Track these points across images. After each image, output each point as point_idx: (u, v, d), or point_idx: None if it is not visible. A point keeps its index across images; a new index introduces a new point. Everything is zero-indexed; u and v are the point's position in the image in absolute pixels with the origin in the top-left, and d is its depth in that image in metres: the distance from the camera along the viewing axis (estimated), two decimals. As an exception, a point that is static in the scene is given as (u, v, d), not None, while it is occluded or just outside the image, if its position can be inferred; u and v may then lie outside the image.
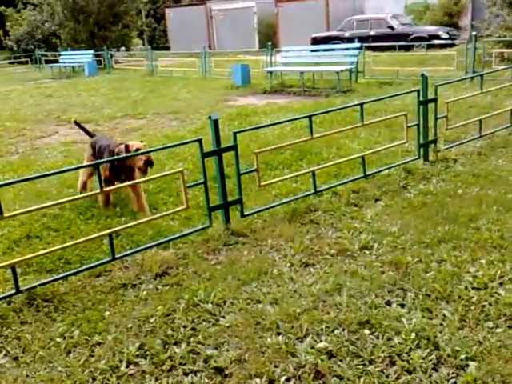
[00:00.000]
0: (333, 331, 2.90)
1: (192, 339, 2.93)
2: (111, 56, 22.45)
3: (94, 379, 2.69)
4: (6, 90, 16.62)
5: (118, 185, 4.71)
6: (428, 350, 2.69)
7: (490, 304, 3.06)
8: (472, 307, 3.05)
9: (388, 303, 3.15)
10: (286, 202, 4.79)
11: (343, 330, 2.90)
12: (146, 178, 4.67)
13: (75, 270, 3.76)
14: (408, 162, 5.67)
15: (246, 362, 2.72)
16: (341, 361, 2.67)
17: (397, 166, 5.58)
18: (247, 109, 10.23)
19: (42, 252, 3.80)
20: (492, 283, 3.27)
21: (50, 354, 2.90)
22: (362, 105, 5.15)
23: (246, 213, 4.53)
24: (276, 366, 2.67)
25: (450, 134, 6.53)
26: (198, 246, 4.13)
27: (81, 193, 5.09)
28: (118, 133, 8.99)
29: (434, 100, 5.76)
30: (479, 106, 8.34)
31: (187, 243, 4.19)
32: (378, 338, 2.82)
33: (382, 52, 15.06)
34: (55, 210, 4.92)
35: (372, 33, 21.38)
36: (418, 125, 5.65)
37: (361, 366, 2.62)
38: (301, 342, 2.84)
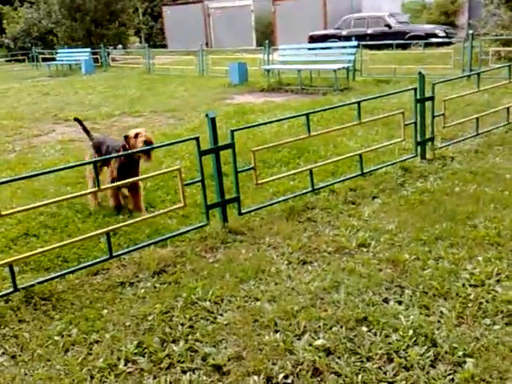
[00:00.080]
0: (330, 328, 2.91)
1: (190, 337, 2.94)
2: (108, 54, 22.41)
3: (92, 377, 2.69)
4: (2, 88, 16.57)
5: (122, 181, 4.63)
6: (425, 347, 2.70)
7: (488, 301, 3.07)
8: (469, 304, 3.06)
9: (385, 300, 3.16)
10: (284, 200, 4.79)
11: (341, 327, 2.91)
12: (144, 176, 4.67)
13: (73, 269, 3.76)
14: (405, 159, 5.68)
15: (243, 359, 2.72)
16: (339, 358, 2.68)
17: (394, 163, 5.59)
18: (244, 107, 10.22)
19: (39, 250, 3.80)
20: (489, 280, 3.29)
21: (48, 352, 2.90)
22: (359, 103, 5.15)
23: (243, 211, 4.53)
24: (274, 364, 2.67)
25: (447, 131, 6.55)
26: (196, 244, 4.13)
27: (99, 204, 5.02)
28: (115, 131, 8.97)
29: (431, 98, 5.77)
30: (476, 104, 8.36)
31: (185, 241, 4.19)
32: (375, 335, 2.83)
33: (380, 50, 15.05)
34: (52, 208, 4.92)
35: (369, 31, 21.38)
36: (415, 123, 5.66)
37: (358, 363, 2.63)
38: (299, 339, 2.85)
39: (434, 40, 17.82)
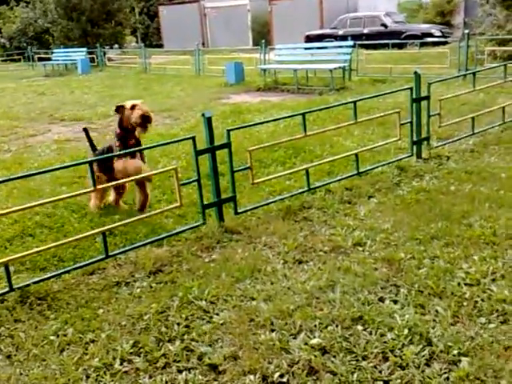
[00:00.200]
0: (326, 327, 2.91)
1: (186, 336, 2.94)
2: (104, 54, 22.40)
3: (87, 377, 2.69)
4: (-2, 88, 16.54)
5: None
6: (421, 346, 2.70)
7: (483, 300, 3.08)
8: (465, 303, 3.06)
9: (381, 299, 3.17)
10: (280, 200, 4.79)
11: (336, 326, 2.92)
12: (140, 175, 4.65)
13: (69, 268, 3.75)
14: (401, 159, 5.69)
15: (239, 358, 2.73)
16: (334, 357, 2.68)
17: (390, 163, 5.60)
18: (241, 106, 10.22)
19: (35, 250, 3.79)
20: (484, 279, 3.29)
21: (44, 351, 2.90)
22: (355, 102, 5.16)
23: (239, 210, 4.54)
24: (270, 363, 2.67)
25: (443, 131, 6.56)
26: (192, 243, 4.13)
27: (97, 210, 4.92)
28: (111, 131, 8.94)
29: (427, 98, 5.78)
30: (472, 103, 8.38)
31: (181, 241, 4.19)
32: (371, 334, 2.83)
33: (376, 50, 15.08)
34: (48, 208, 4.91)
35: (365, 31, 21.42)
36: (410, 122, 5.67)
37: (354, 362, 2.63)
38: (294, 338, 2.85)
39: (429, 39, 17.86)
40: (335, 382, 2.51)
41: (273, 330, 2.92)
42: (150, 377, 2.66)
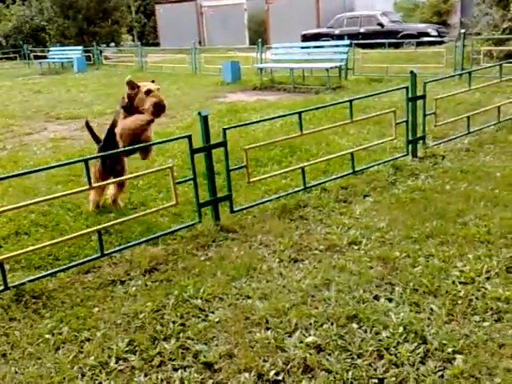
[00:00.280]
0: (321, 325, 2.92)
1: (181, 335, 2.94)
2: (100, 52, 22.33)
3: (83, 375, 2.69)
4: (-7, 86, 16.49)
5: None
6: (415, 344, 2.72)
7: (477, 298, 3.10)
8: (459, 301, 3.08)
9: (376, 298, 3.18)
10: (276, 198, 4.80)
11: (332, 324, 2.92)
12: (136, 174, 4.66)
13: (64, 267, 3.75)
14: (397, 158, 5.70)
15: (235, 356, 2.73)
16: (329, 355, 2.69)
17: (385, 162, 5.61)
18: (237, 105, 10.22)
19: (30, 248, 3.78)
20: (479, 278, 3.31)
21: (39, 350, 2.90)
22: (351, 101, 5.16)
23: (235, 209, 4.54)
24: (265, 361, 2.68)
25: (439, 130, 6.58)
26: (188, 242, 4.13)
27: (96, 209, 4.83)
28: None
29: (423, 97, 5.80)
30: (467, 102, 8.40)
31: (176, 239, 4.19)
32: (366, 332, 2.84)
33: (372, 49, 15.11)
34: (44, 206, 4.90)
35: (362, 30, 21.42)
36: (406, 121, 5.68)
37: (349, 360, 2.64)
38: (290, 336, 2.86)
39: (426, 39, 17.89)
40: (330, 380, 2.52)
41: (268, 329, 2.93)
42: (146, 375, 2.66)
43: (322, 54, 13.90)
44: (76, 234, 3.90)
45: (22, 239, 4.36)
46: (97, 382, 2.64)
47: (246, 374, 2.59)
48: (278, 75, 13.67)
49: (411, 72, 5.64)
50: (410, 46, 15.83)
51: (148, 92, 4.19)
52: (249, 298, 3.26)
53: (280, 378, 2.57)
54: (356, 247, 3.86)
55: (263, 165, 5.92)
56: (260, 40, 15.58)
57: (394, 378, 2.51)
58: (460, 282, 3.28)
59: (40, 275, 3.64)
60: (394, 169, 5.47)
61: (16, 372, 2.74)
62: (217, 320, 3.05)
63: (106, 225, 4.07)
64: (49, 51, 22.51)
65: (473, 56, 12.04)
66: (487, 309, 2.99)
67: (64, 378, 2.67)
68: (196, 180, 4.25)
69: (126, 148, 4.25)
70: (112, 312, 3.21)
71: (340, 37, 18.72)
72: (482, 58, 12.29)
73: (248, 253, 3.86)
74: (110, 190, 4.88)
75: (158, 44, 32.42)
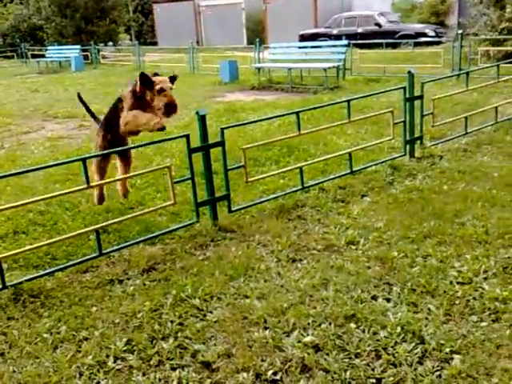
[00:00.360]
0: (319, 325, 2.92)
1: (179, 334, 2.94)
2: (98, 51, 22.31)
3: (81, 374, 2.69)
4: (-9, 85, 16.45)
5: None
6: (413, 344, 2.72)
7: (475, 298, 3.11)
8: (457, 301, 3.08)
9: (374, 298, 3.18)
10: (274, 198, 4.80)
11: (330, 324, 2.93)
12: (134, 174, 4.66)
13: (62, 266, 3.74)
14: (394, 158, 5.71)
15: (233, 356, 2.73)
16: (327, 354, 2.69)
17: (383, 162, 5.62)
18: (235, 105, 10.22)
19: (28, 247, 3.78)
20: (476, 278, 3.32)
21: (37, 349, 2.89)
22: (349, 101, 5.17)
23: (233, 208, 4.54)
24: (263, 360, 2.68)
25: (436, 130, 6.59)
26: (186, 241, 4.13)
27: (100, 203, 4.71)
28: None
29: (421, 97, 5.81)
30: (465, 103, 8.42)
31: (174, 239, 4.19)
32: (364, 331, 2.85)
33: (370, 49, 15.12)
34: (41, 205, 4.89)
35: (359, 30, 21.45)
36: (404, 121, 5.69)
37: (347, 360, 2.65)
38: (288, 336, 2.86)
39: (423, 39, 17.91)
40: (328, 380, 2.53)
41: (266, 328, 2.93)
42: (144, 374, 2.66)
43: (320, 53, 13.92)
44: (74, 234, 3.90)
45: (19, 238, 4.36)
46: (95, 381, 2.65)
47: (244, 374, 2.60)
48: (276, 75, 13.67)
49: (409, 72, 5.65)
50: (408, 47, 15.86)
51: (160, 91, 4.05)
52: (247, 297, 3.27)
53: (278, 377, 2.58)
54: (354, 247, 3.86)
55: (261, 164, 5.92)
56: (258, 40, 15.58)
57: (391, 378, 2.51)
58: (458, 282, 3.29)
59: (38, 274, 3.63)
60: (392, 169, 5.48)
61: (14, 371, 2.74)
62: (215, 319, 3.05)
63: (103, 224, 4.07)
64: (46, 50, 22.46)
65: (470, 56, 12.06)
66: (485, 309, 3.00)
67: (62, 378, 2.67)
68: (194, 179, 4.25)
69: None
70: (110, 311, 3.21)
71: (338, 37, 18.71)
72: (480, 59, 12.32)
73: (246, 252, 3.86)
74: (119, 176, 4.60)
75: (155, 43, 32.38)
